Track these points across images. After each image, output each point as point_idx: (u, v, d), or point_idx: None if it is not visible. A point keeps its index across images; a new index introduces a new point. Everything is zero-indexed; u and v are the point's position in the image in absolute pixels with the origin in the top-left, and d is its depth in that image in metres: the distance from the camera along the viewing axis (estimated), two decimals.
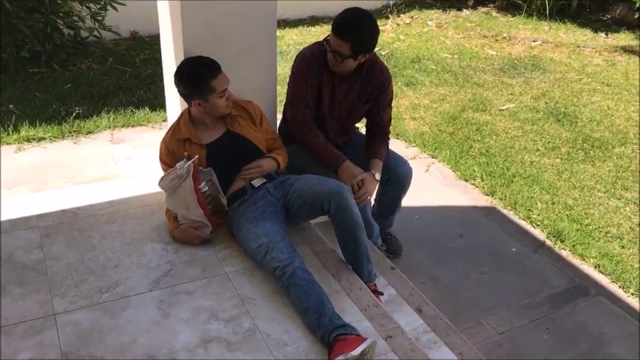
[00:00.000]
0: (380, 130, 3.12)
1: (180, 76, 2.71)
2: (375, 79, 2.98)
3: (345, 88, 2.97)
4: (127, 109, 4.92)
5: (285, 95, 3.03)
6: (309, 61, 2.89)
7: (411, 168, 3.17)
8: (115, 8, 5.64)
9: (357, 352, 2.12)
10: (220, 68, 2.68)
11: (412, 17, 8.08)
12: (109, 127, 4.68)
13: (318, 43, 2.99)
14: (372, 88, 3.01)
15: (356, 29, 2.76)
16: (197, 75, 2.67)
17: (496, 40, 7.29)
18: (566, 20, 7.93)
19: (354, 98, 3.02)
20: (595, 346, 3.00)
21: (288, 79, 3.03)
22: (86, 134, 4.58)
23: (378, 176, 2.96)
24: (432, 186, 4.29)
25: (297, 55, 3.00)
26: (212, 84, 2.65)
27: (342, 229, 2.65)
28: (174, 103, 3.11)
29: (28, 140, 4.41)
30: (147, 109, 4.94)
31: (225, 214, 2.79)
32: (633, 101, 5.70)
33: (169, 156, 2.79)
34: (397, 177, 3.13)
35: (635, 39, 7.39)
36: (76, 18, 5.64)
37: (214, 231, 2.80)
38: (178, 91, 2.75)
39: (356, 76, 2.94)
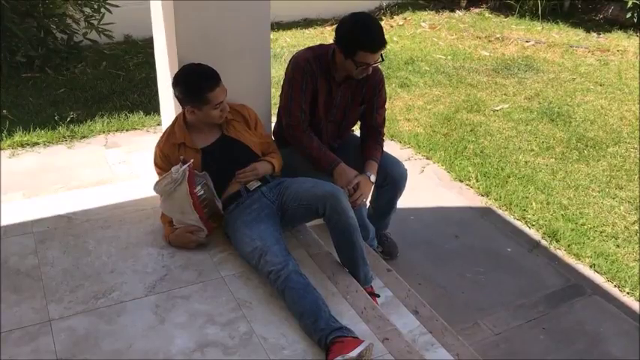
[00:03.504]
0: (374, 131, 3.12)
1: (179, 82, 2.69)
2: (369, 80, 2.98)
3: (341, 93, 2.97)
4: (121, 113, 4.90)
5: (279, 99, 3.03)
6: (302, 67, 2.88)
7: (405, 169, 3.18)
8: (108, 10, 5.63)
9: (354, 353, 2.11)
10: (219, 80, 2.66)
11: (405, 19, 8.09)
12: (104, 132, 4.66)
13: (311, 48, 2.99)
14: (366, 90, 3.02)
15: (382, 34, 2.77)
16: (195, 86, 2.65)
17: (489, 41, 7.31)
18: (558, 20, 7.95)
19: (349, 101, 3.02)
20: (591, 345, 3.01)
21: (282, 83, 3.02)
22: (80, 139, 4.56)
23: (373, 178, 2.96)
24: (427, 187, 4.29)
25: (290, 61, 2.99)
26: (208, 97, 2.64)
27: (338, 232, 2.65)
28: (169, 107, 3.10)
29: (22, 145, 4.39)
30: (141, 113, 4.93)
31: (221, 218, 2.78)
32: (626, 100, 5.73)
33: (164, 160, 2.79)
34: (392, 179, 3.13)
35: (627, 38, 7.42)
36: (69, 22, 5.63)
37: (210, 235, 2.79)
38: (174, 93, 2.74)
39: (351, 79, 2.94)
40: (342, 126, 3.14)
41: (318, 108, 2.97)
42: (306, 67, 2.87)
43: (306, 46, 3.09)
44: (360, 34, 2.76)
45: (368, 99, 3.05)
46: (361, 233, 2.72)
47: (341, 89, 2.96)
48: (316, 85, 2.90)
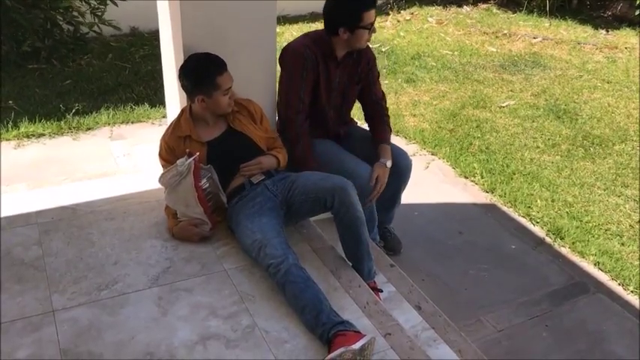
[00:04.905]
0: (377, 106, 3.16)
1: (186, 71, 2.69)
2: (362, 58, 3.03)
3: (339, 73, 2.99)
4: (127, 106, 4.91)
5: (278, 93, 3.02)
6: (302, 54, 2.87)
7: (410, 160, 3.18)
8: (114, 3, 5.63)
9: (357, 346, 2.11)
10: (226, 66, 2.67)
11: (412, 14, 8.07)
12: (109, 124, 4.67)
13: (305, 35, 3.01)
14: (361, 69, 3.06)
15: None
16: (203, 71, 2.65)
17: (496, 37, 7.28)
18: (566, 17, 7.92)
19: (346, 81, 3.05)
20: (594, 344, 3.00)
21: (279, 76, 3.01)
22: (85, 130, 4.57)
23: (389, 164, 2.99)
24: (432, 183, 4.28)
25: (285, 51, 2.96)
26: (217, 81, 2.64)
27: (345, 225, 2.64)
28: (174, 100, 3.10)
29: (28, 136, 4.40)
30: (146, 105, 4.94)
31: (225, 212, 2.78)
32: (634, 98, 5.70)
33: (169, 153, 2.79)
34: (398, 169, 3.13)
35: (635, 36, 7.38)
36: (75, 13, 5.63)
37: (214, 229, 2.79)
38: (182, 85, 2.73)
39: (348, 59, 2.97)
40: (343, 110, 3.16)
41: (320, 93, 2.97)
42: (307, 54, 2.87)
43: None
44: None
45: (364, 77, 3.08)
46: (369, 224, 2.72)
47: (339, 70, 2.98)
48: (317, 70, 2.91)
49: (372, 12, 2.82)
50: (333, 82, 3.00)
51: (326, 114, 3.05)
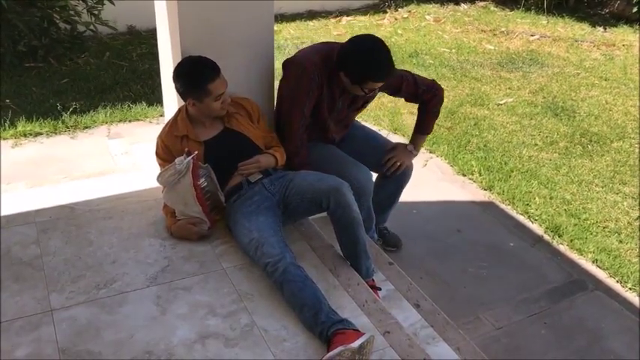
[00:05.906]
0: (416, 100, 3.15)
1: (179, 75, 2.68)
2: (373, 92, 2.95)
3: (342, 100, 2.96)
4: (124, 104, 4.90)
5: (279, 101, 2.98)
6: (311, 72, 2.78)
7: (412, 163, 3.18)
8: (111, 2, 5.62)
9: (356, 344, 2.11)
10: (220, 72, 2.65)
11: (410, 11, 8.07)
12: (106, 122, 4.66)
13: (317, 51, 2.88)
14: (368, 96, 2.98)
15: (391, 60, 2.74)
16: (195, 76, 2.64)
17: (494, 35, 7.28)
18: (564, 14, 7.92)
19: (349, 105, 3.02)
20: (593, 341, 3.01)
21: (280, 81, 2.94)
22: (83, 129, 4.56)
23: (410, 147, 3.13)
24: (430, 181, 4.28)
25: (292, 64, 2.86)
26: (209, 87, 2.63)
27: (341, 226, 2.64)
28: (171, 99, 3.10)
29: (25, 135, 4.39)
30: (144, 103, 4.93)
31: (223, 211, 2.78)
32: (631, 95, 5.70)
33: (166, 152, 2.78)
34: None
35: (633, 33, 7.38)
36: (72, 12, 5.62)
37: (212, 228, 2.79)
38: (175, 87, 2.74)
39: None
40: (345, 121, 3.14)
41: (322, 110, 2.93)
42: (314, 73, 2.77)
43: (311, 44, 3.01)
44: (372, 68, 2.70)
45: (375, 95, 3.04)
46: (366, 223, 2.71)
47: (343, 97, 2.93)
48: (322, 90, 2.85)
49: (379, 83, 2.76)
50: (336, 105, 2.96)
51: (327, 125, 3.03)
